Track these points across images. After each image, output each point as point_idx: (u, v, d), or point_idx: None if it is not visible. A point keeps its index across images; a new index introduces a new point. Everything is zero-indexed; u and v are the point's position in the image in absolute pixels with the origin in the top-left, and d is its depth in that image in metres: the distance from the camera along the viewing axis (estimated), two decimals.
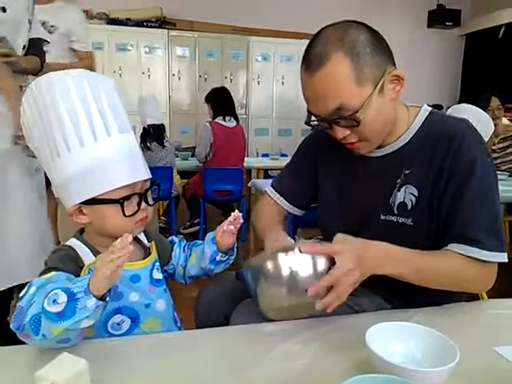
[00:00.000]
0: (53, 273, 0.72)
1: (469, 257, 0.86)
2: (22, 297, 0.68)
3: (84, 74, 0.78)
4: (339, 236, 0.83)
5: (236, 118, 3.56)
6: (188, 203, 3.74)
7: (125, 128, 0.79)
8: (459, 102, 6.13)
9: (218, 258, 0.93)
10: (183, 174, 3.92)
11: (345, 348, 0.74)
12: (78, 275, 0.74)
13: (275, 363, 0.71)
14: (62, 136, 0.74)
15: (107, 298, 0.67)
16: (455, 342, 0.64)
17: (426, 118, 0.95)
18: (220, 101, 3.53)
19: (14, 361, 0.71)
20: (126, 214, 0.78)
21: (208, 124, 3.44)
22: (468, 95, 6.06)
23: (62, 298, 0.64)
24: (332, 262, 0.78)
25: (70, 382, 0.59)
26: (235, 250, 0.96)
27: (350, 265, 0.77)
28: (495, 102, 3.25)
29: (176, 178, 3.77)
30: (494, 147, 3.22)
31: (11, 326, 0.67)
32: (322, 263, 0.78)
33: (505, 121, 3.37)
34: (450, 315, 0.90)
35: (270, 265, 0.79)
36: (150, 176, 0.83)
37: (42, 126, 0.76)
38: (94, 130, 0.74)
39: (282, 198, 1.16)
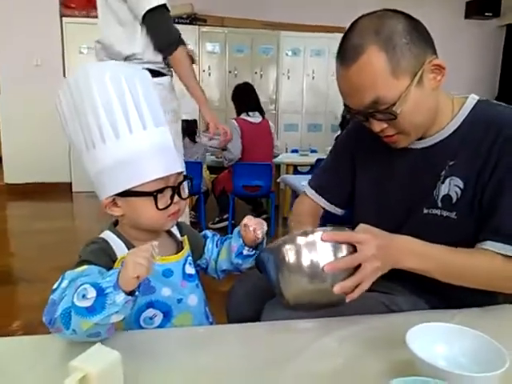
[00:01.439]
0: (85, 266, 0.72)
1: (505, 255, 0.81)
2: (55, 289, 0.69)
3: (121, 67, 0.79)
4: (362, 226, 0.81)
5: (262, 113, 3.54)
6: (217, 198, 3.76)
7: (160, 122, 0.79)
8: (497, 97, 5.91)
9: (244, 252, 0.91)
10: (212, 169, 3.95)
11: (383, 348, 0.71)
12: (110, 268, 0.74)
13: (309, 361, 0.69)
14: (98, 127, 0.74)
15: (136, 293, 0.67)
16: (501, 345, 0.60)
17: (474, 107, 0.90)
18: (243, 97, 3.54)
19: (48, 349, 0.72)
20: (159, 206, 0.78)
21: (234, 121, 3.44)
22: (507, 90, 5.81)
23: (91, 293, 0.64)
24: (354, 250, 0.76)
25: (104, 373, 0.59)
26: (264, 244, 0.94)
27: (371, 252, 0.75)
28: None
29: (206, 173, 3.80)
30: None
31: (43, 319, 0.68)
32: (343, 249, 0.75)
33: None
34: (494, 317, 0.85)
35: (289, 249, 0.76)
36: (184, 169, 0.83)
37: (78, 116, 0.76)
38: (129, 123, 0.75)
39: (320, 197, 1.13)
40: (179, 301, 0.84)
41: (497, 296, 0.91)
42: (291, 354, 0.70)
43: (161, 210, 0.78)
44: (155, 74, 1.73)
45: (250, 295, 0.97)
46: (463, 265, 0.83)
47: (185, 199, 0.84)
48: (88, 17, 4.94)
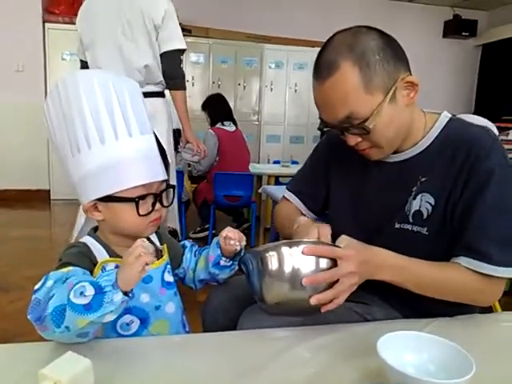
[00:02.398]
0: (69, 267, 0.73)
1: (476, 271, 0.83)
2: (38, 289, 0.69)
3: (109, 75, 0.80)
4: (344, 238, 0.82)
5: (235, 123, 3.58)
6: (198, 208, 3.75)
7: (146, 129, 0.81)
8: (474, 113, 6.08)
9: (221, 263, 0.91)
10: (193, 178, 3.94)
11: (355, 356, 0.72)
12: (91, 272, 0.76)
13: (283, 370, 0.69)
14: (84, 132, 0.76)
15: (130, 294, 0.68)
16: (469, 353, 0.62)
17: (446, 125, 0.93)
18: (216, 107, 3.58)
19: (20, 357, 0.70)
20: (141, 213, 0.78)
21: (211, 130, 3.46)
22: (483, 106, 6.00)
23: (90, 291, 0.64)
24: (334, 263, 0.77)
25: (74, 381, 0.58)
26: (242, 254, 0.93)
27: (351, 269, 0.77)
28: None
29: (187, 183, 3.78)
30: None
31: (28, 317, 0.67)
32: (324, 263, 0.77)
33: None
34: (464, 326, 0.87)
35: (272, 257, 0.77)
36: (167, 177, 0.85)
37: (65, 122, 0.77)
38: (115, 129, 0.76)
39: (297, 200, 1.15)
40: (157, 308, 0.84)
41: (469, 307, 0.92)
42: (264, 363, 0.70)
43: (142, 216, 0.79)
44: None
45: (226, 304, 0.97)
46: (436, 278, 0.85)
47: (166, 207, 0.84)
48: (71, 23, 4.91)
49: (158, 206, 0.81)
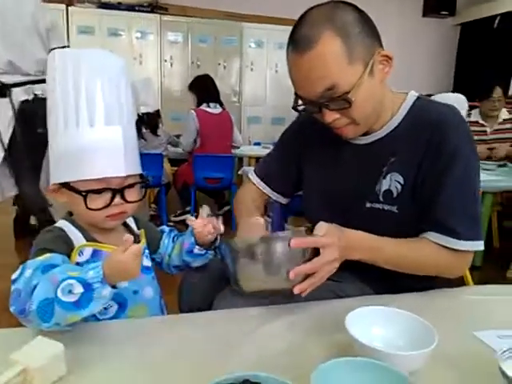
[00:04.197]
0: (47, 254, 0.71)
1: (443, 246, 0.87)
2: (16, 279, 0.68)
3: (99, 54, 0.78)
4: (322, 225, 0.82)
5: (221, 105, 3.54)
6: (178, 191, 3.72)
7: (113, 120, 0.76)
8: (453, 92, 6.14)
9: (195, 251, 0.91)
10: (173, 161, 3.90)
11: (327, 332, 0.74)
12: (68, 256, 0.76)
13: (256, 348, 0.70)
14: (63, 113, 0.75)
15: (117, 286, 0.70)
16: (435, 326, 0.64)
17: (413, 104, 0.94)
18: (203, 88, 3.52)
19: None
20: (89, 206, 0.76)
21: (193, 111, 3.41)
22: (462, 85, 6.06)
23: (78, 289, 0.64)
24: (313, 250, 0.78)
25: (45, 366, 0.58)
26: (217, 244, 0.93)
27: (334, 256, 0.78)
28: (498, 92, 3.14)
29: (167, 165, 3.75)
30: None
31: (11, 309, 0.66)
32: (304, 252, 0.78)
33: (504, 112, 3.29)
34: (431, 300, 0.90)
35: (252, 251, 0.77)
36: (136, 172, 0.81)
37: (52, 99, 0.77)
38: (78, 117, 0.74)
39: (264, 184, 1.15)
40: (135, 292, 0.84)
41: (440, 280, 0.97)
42: (238, 341, 0.72)
43: (92, 210, 0.76)
44: None
45: (202, 284, 0.98)
46: (408, 255, 0.89)
47: (131, 202, 0.81)
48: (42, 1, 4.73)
49: (117, 200, 0.78)
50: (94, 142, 0.75)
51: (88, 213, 0.77)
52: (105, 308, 0.80)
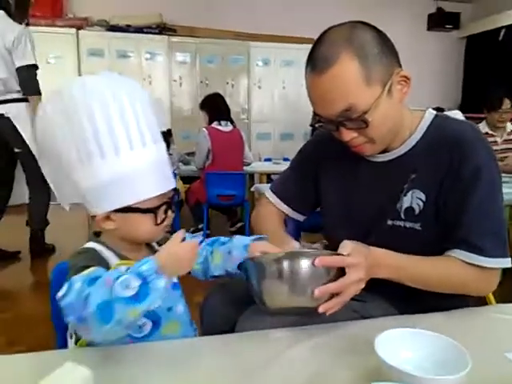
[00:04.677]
0: (91, 268, 0.71)
1: (470, 263, 0.86)
2: (65, 295, 0.67)
3: (120, 82, 0.79)
4: (347, 244, 0.81)
5: (232, 123, 3.57)
6: (191, 209, 3.74)
7: (157, 138, 0.79)
8: (461, 105, 6.15)
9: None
10: (186, 179, 3.93)
11: (354, 355, 0.73)
12: None
13: (282, 370, 0.69)
14: (96, 142, 0.73)
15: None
16: (465, 347, 0.63)
17: (432, 122, 0.94)
18: (214, 106, 3.56)
19: (16, 369, 0.70)
20: (158, 222, 0.79)
21: (204, 129, 3.45)
22: (470, 97, 6.06)
23: (135, 283, 0.65)
24: (339, 270, 0.77)
25: None
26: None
27: (359, 276, 0.78)
28: (507, 103, 3.13)
29: (179, 183, 3.77)
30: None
31: (69, 319, 0.66)
32: (330, 271, 0.77)
33: (509, 125, 3.29)
34: (458, 320, 0.88)
35: (278, 268, 0.77)
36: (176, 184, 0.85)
37: (71, 130, 0.74)
38: (130, 139, 0.74)
39: (281, 203, 1.15)
40: (169, 309, 0.85)
41: (464, 299, 0.95)
42: (264, 364, 0.71)
43: (158, 225, 0.80)
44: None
45: (224, 305, 0.98)
46: (433, 273, 0.88)
47: (174, 212, 0.85)
48: (54, 26, 4.87)
49: (170, 212, 0.82)
50: (148, 161, 0.77)
51: (152, 230, 0.80)
52: (139, 326, 0.81)
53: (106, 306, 0.64)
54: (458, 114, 2.61)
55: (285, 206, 1.15)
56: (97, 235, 0.85)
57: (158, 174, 0.78)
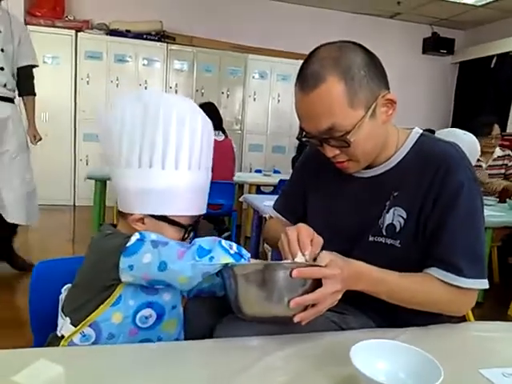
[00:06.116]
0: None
1: (446, 282, 0.87)
2: (142, 239, 0.75)
3: (196, 107, 0.91)
4: (324, 255, 0.81)
5: (224, 132, 3.59)
6: None
7: (209, 165, 0.90)
8: (451, 128, 6.24)
9: None
10: None
11: (328, 364, 0.73)
12: None
13: (258, 378, 0.69)
14: (163, 153, 0.79)
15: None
16: (440, 362, 0.63)
17: (417, 141, 0.96)
18: (207, 115, 3.56)
19: None
20: (185, 237, 0.86)
21: None
22: (460, 121, 6.17)
23: (235, 248, 0.77)
24: (315, 281, 0.77)
25: None
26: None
27: (336, 288, 0.77)
28: (497, 130, 3.21)
29: None
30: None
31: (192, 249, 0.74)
32: (306, 282, 0.77)
33: (498, 150, 3.35)
34: (436, 336, 0.89)
35: (254, 278, 0.77)
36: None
37: (142, 133, 0.80)
38: (191, 160, 0.82)
39: (285, 220, 1.17)
40: (173, 307, 0.86)
41: (439, 316, 0.95)
42: (238, 371, 0.70)
43: (183, 240, 0.85)
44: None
45: (204, 312, 0.97)
46: (411, 289, 0.88)
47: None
48: (53, 26, 4.88)
49: (191, 233, 0.88)
50: (198, 183, 0.85)
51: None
52: (145, 317, 0.82)
53: (207, 249, 0.73)
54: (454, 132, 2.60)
55: (287, 221, 1.16)
56: (113, 227, 0.90)
57: (200, 197, 0.87)
